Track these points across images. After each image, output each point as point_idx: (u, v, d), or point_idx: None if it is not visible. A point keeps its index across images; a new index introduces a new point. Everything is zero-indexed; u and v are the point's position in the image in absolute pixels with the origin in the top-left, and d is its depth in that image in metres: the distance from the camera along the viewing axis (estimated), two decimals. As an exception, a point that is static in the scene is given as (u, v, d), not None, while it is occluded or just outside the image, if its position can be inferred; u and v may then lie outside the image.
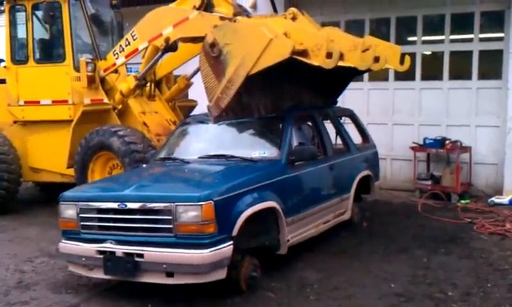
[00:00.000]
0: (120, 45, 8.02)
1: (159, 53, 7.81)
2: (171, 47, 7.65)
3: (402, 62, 6.66)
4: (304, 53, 5.49)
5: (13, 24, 8.81)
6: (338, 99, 7.76)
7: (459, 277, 5.48)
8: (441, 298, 4.97)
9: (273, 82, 6.09)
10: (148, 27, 7.66)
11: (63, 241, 5.27)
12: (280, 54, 5.35)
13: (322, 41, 5.46)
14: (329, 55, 5.41)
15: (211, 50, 5.74)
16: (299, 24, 6.31)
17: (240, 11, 7.19)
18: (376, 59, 5.96)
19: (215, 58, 5.75)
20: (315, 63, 5.45)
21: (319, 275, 5.59)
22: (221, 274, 4.73)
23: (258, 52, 5.42)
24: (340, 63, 5.54)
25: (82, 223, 5.10)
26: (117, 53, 8.07)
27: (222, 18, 6.93)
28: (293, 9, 6.60)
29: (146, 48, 7.95)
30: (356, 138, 7.85)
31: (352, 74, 7.07)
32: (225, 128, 6.18)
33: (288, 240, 5.55)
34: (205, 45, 5.81)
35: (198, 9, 7.39)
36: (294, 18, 6.50)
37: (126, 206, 4.85)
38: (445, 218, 7.80)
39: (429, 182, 9.21)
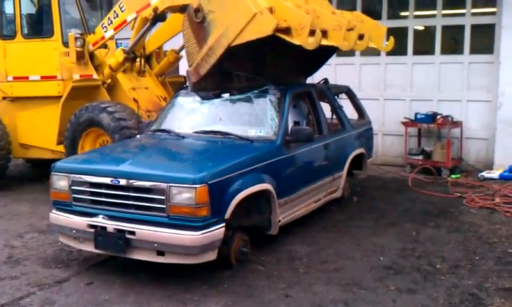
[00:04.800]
0: (108, 18, 7.94)
1: (148, 24, 7.72)
2: (159, 16, 7.55)
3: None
4: (287, 31, 5.42)
5: (0, -1, 8.68)
6: (327, 76, 7.75)
7: (447, 250, 5.53)
8: (429, 270, 5.01)
9: (254, 51, 6.03)
10: None
11: (54, 212, 5.21)
12: (263, 31, 5.29)
13: (306, 22, 5.37)
14: (311, 33, 5.36)
15: (195, 15, 5.67)
16: None
17: None
18: (360, 37, 5.92)
19: (198, 24, 5.68)
20: (297, 42, 5.38)
21: (308, 248, 5.62)
22: (212, 255, 4.73)
23: (241, 24, 5.37)
24: (323, 42, 5.49)
25: (74, 195, 5.05)
26: (105, 26, 7.98)
27: None
28: None
29: (135, 19, 7.86)
30: (352, 114, 7.85)
31: (334, 51, 7.06)
32: (222, 102, 6.09)
33: (279, 221, 5.53)
34: (190, 9, 5.74)
35: None
36: None
37: (119, 182, 4.79)
38: (435, 192, 7.84)
39: (420, 157, 9.23)
